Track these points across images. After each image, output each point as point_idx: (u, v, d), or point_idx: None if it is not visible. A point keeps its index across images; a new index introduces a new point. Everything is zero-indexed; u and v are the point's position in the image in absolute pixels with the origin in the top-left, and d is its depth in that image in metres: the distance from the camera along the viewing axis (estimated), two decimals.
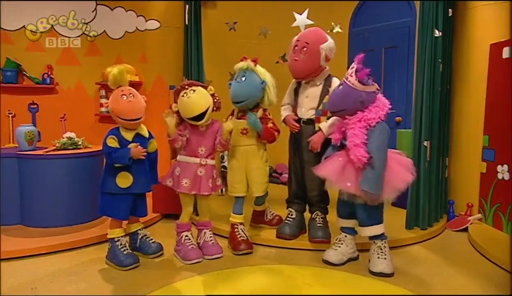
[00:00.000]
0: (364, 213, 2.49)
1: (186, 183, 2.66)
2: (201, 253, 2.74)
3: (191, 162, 2.70)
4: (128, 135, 2.62)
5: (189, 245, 2.75)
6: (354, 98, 2.38)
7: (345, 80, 2.42)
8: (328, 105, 2.60)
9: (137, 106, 2.61)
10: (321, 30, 2.94)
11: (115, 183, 2.60)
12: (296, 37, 2.93)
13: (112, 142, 2.57)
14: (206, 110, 2.63)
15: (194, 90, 2.63)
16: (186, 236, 2.78)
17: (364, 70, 2.36)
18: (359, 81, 2.37)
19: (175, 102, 2.70)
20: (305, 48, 2.79)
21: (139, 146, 2.59)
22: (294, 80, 3.06)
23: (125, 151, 2.55)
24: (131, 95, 2.61)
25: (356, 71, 2.38)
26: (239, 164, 2.92)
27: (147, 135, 2.72)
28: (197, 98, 2.62)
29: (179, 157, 2.76)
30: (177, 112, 2.68)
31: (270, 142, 2.93)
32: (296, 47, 2.84)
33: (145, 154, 2.62)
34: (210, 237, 2.84)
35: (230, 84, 2.91)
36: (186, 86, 2.66)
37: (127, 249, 2.68)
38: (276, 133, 2.89)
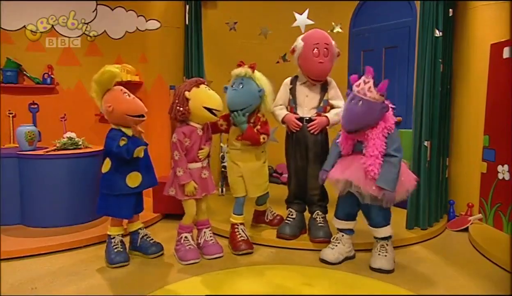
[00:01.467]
0: (380, 214, 2.52)
1: (196, 189, 2.70)
2: (198, 254, 2.73)
3: (194, 167, 2.71)
4: (129, 132, 2.65)
5: (187, 245, 2.75)
6: (377, 111, 2.37)
7: (364, 97, 2.34)
8: (350, 125, 2.43)
9: (141, 104, 2.68)
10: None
11: (126, 184, 2.61)
12: (309, 40, 2.90)
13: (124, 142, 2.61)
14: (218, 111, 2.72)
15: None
16: (186, 237, 2.78)
17: (385, 83, 2.34)
18: (381, 94, 2.35)
19: (188, 90, 2.63)
20: (326, 50, 2.86)
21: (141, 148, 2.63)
22: (287, 81, 3.08)
23: (136, 142, 2.59)
24: (129, 94, 2.67)
25: (374, 85, 2.35)
26: (234, 166, 2.93)
27: (143, 131, 2.78)
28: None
29: None
30: (187, 101, 2.60)
31: (254, 145, 2.86)
32: (316, 50, 2.85)
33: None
34: (210, 236, 2.85)
35: (226, 88, 2.85)
36: (206, 83, 2.74)
37: (119, 248, 2.69)
38: (261, 136, 2.82)
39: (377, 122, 2.40)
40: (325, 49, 2.86)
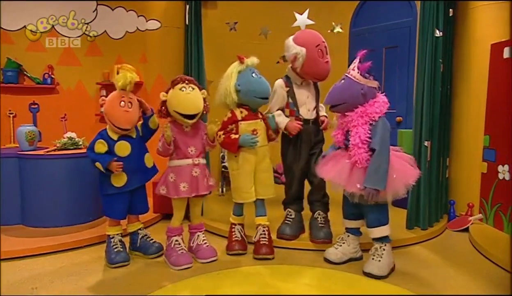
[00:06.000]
0: (373, 214, 2.48)
1: (184, 187, 2.61)
2: (191, 258, 2.67)
3: (184, 164, 2.64)
4: (114, 135, 2.65)
5: (179, 250, 2.68)
6: (356, 91, 2.39)
7: (347, 74, 2.45)
8: (329, 99, 2.54)
9: (132, 118, 2.63)
10: None
11: (111, 183, 2.62)
12: (309, 42, 2.86)
13: (100, 147, 2.59)
14: (200, 112, 2.62)
15: (193, 88, 2.61)
16: (176, 240, 2.70)
17: (366, 64, 2.39)
18: (361, 75, 2.39)
19: (166, 92, 2.62)
20: (326, 48, 2.89)
21: (119, 163, 2.57)
22: (281, 83, 2.98)
23: (105, 158, 2.55)
24: (129, 103, 2.62)
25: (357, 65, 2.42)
26: (251, 168, 2.77)
27: (133, 135, 2.72)
28: (196, 98, 2.60)
29: (170, 163, 2.69)
30: (164, 102, 2.62)
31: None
32: (320, 50, 2.85)
33: (121, 168, 2.58)
34: (204, 239, 2.81)
35: (239, 85, 2.70)
36: (186, 81, 2.61)
37: (118, 248, 2.69)
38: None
39: (356, 105, 2.40)
40: (325, 48, 2.88)
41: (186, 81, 2.61)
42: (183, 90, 2.57)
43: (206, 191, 2.70)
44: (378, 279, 2.44)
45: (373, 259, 2.51)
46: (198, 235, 2.81)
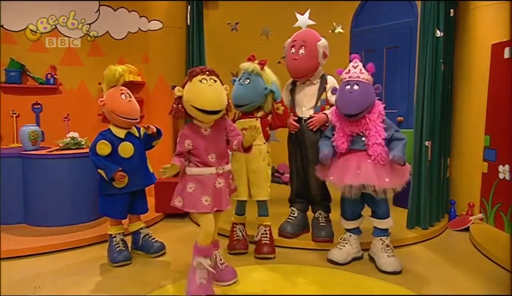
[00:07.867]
0: (384, 205, 2.59)
1: (207, 201, 2.16)
2: (210, 290, 2.21)
3: (206, 173, 2.19)
4: (121, 133, 2.66)
5: (200, 278, 2.20)
6: (373, 92, 2.46)
7: (358, 79, 2.44)
8: (348, 108, 2.43)
9: (136, 107, 2.72)
10: (313, 30, 3.02)
11: (112, 184, 2.63)
12: (291, 39, 2.96)
13: (103, 148, 2.59)
14: (223, 109, 2.19)
15: (215, 81, 2.16)
16: (200, 264, 2.20)
17: (371, 64, 2.45)
18: (371, 75, 2.46)
19: (182, 86, 2.20)
20: (303, 47, 2.84)
21: (123, 174, 2.61)
22: (289, 81, 3.08)
23: (111, 168, 2.57)
24: (128, 95, 2.71)
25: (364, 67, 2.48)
26: (239, 166, 2.74)
27: (137, 134, 2.76)
28: (219, 91, 2.16)
29: (189, 170, 2.22)
30: (180, 99, 2.18)
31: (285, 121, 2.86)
32: (293, 47, 2.88)
33: (123, 178, 2.62)
34: (220, 258, 2.45)
35: (234, 80, 2.84)
36: (208, 72, 2.16)
37: (120, 247, 2.71)
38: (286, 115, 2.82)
39: (372, 106, 2.47)
40: (301, 47, 2.84)
41: (207, 72, 2.16)
42: (203, 82, 2.12)
43: (230, 204, 2.28)
44: (398, 274, 2.50)
45: (388, 256, 2.55)
46: (215, 254, 2.40)
